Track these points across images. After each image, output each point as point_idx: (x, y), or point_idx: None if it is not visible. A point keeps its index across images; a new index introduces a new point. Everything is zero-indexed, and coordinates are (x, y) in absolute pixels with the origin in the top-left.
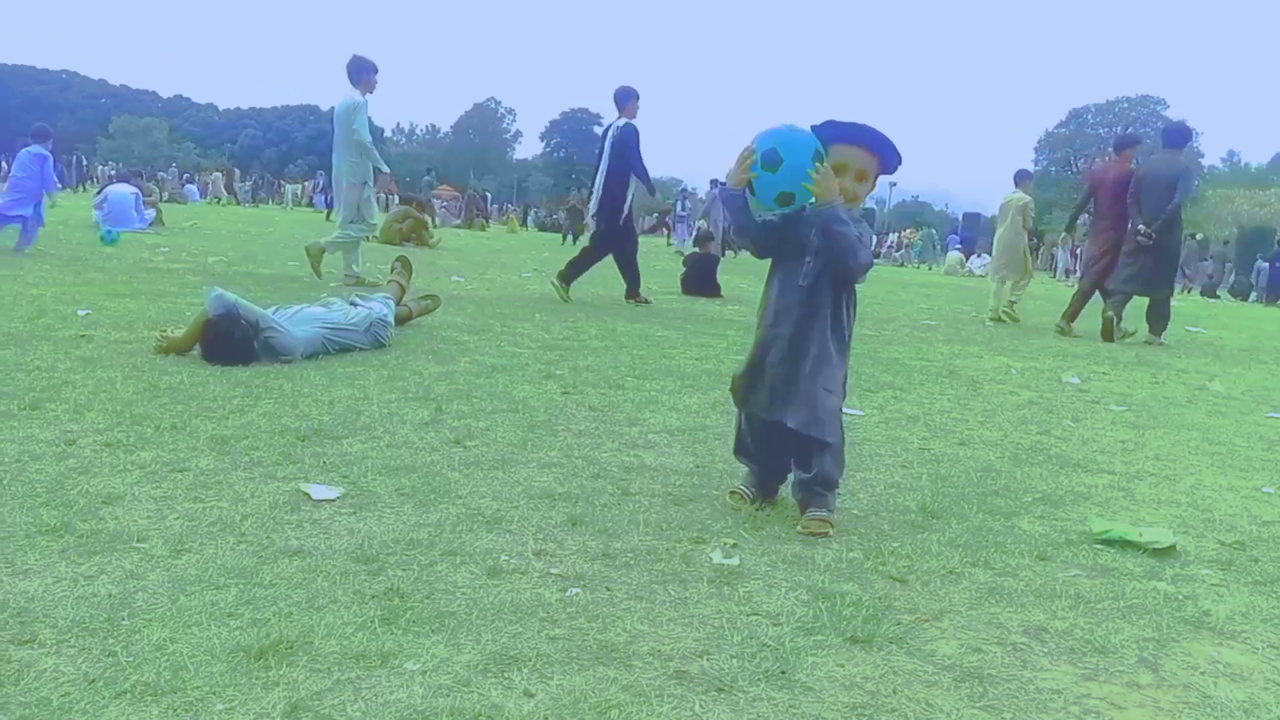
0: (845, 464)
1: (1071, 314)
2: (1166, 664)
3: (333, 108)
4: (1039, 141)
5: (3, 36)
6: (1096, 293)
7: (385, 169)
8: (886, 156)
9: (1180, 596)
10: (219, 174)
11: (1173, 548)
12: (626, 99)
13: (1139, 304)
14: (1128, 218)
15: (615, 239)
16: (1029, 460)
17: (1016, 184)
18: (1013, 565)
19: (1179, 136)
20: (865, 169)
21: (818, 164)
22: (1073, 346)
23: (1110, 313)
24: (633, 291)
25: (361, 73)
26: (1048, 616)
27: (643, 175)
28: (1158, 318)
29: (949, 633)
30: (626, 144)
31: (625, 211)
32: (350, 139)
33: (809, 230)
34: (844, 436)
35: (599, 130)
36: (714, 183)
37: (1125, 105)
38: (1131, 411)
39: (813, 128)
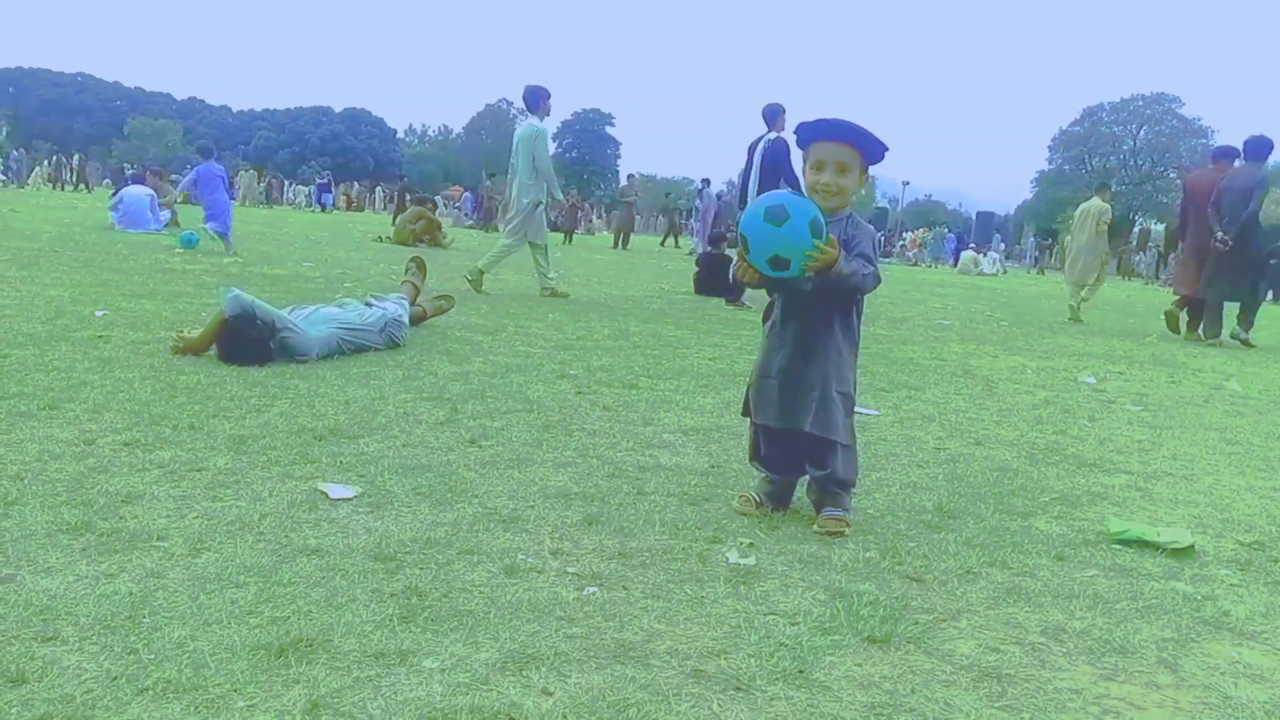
0: (860, 464)
1: (1193, 323)
2: (1186, 664)
3: (351, 109)
4: (1053, 140)
5: (20, 40)
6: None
7: (560, 196)
8: (867, 147)
9: (1199, 597)
10: (252, 172)
11: (1191, 548)
12: (775, 115)
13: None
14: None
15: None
16: (1045, 460)
17: (1095, 193)
18: (1030, 565)
19: (1260, 148)
20: (846, 161)
21: (817, 242)
22: (1088, 346)
23: (1176, 308)
24: (735, 299)
25: (538, 99)
26: (1066, 616)
27: (795, 185)
28: (1245, 318)
29: (967, 632)
30: (778, 157)
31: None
32: (531, 163)
33: None
34: (857, 436)
35: (610, 130)
36: (704, 182)
37: (1140, 103)
38: (1148, 411)
39: (794, 131)
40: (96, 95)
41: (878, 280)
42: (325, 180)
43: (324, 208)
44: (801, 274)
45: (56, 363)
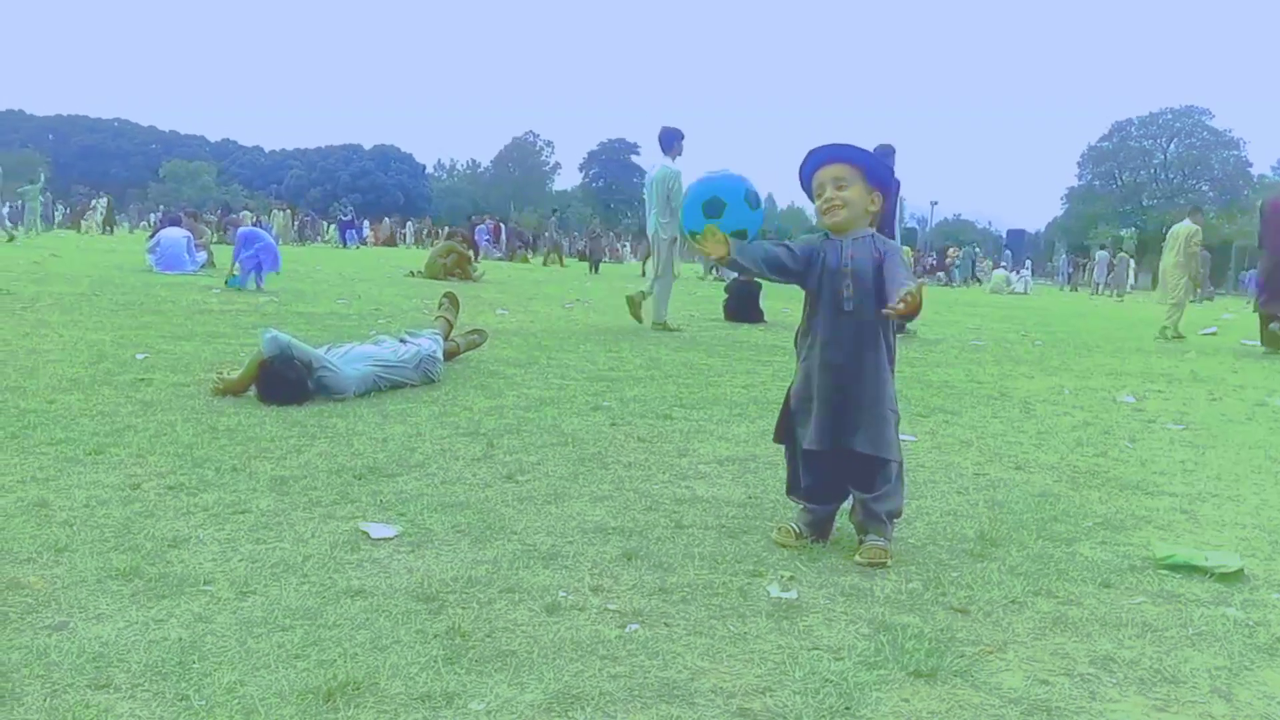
0: (905, 490)
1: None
2: (1240, 693)
3: (381, 145)
4: (1082, 156)
5: (59, 88)
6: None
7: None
8: (861, 161)
9: (1251, 622)
10: (287, 211)
11: (1240, 571)
12: (886, 156)
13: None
14: None
15: None
16: (1087, 483)
17: (1188, 215)
18: (1076, 593)
19: None
20: (840, 176)
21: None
22: (1125, 365)
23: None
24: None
25: (672, 141)
26: (1115, 646)
27: (892, 225)
28: None
29: (1014, 664)
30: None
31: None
32: (666, 203)
33: (843, 254)
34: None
35: (636, 159)
36: None
37: (1169, 117)
38: (1190, 430)
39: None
40: (133, 140)
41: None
42: (349, 217)
43: (347, 244)
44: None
45: (100, 407)
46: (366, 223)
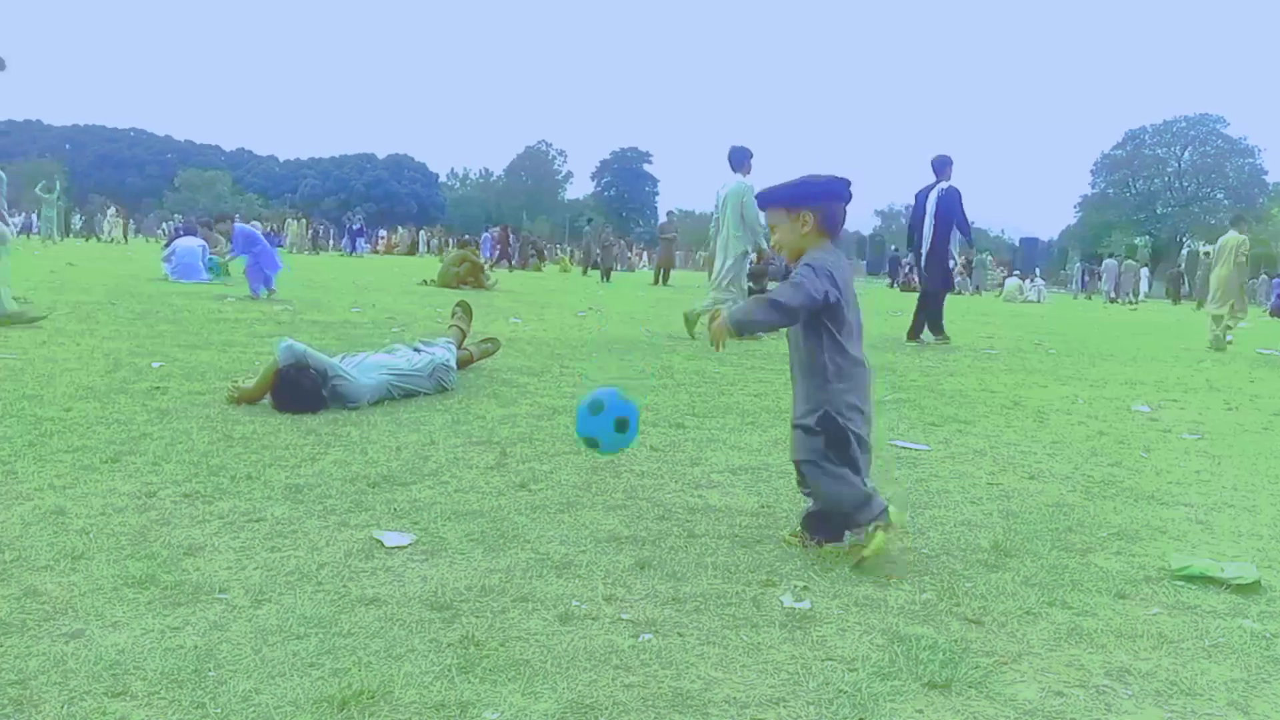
0: (862, 500)
1: None
2: (1258, 706)
3: (394, 154)
4: (1095, 164)
5: (76, 99)
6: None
7: (765, 245)
8: (781, 199)
9: (1268, 634)
10: (301, 219)
11: (1257, 583)
12: (945, 165)
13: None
14: None
15: (942, 286)
16: (1102, 494)
17: (1231, 225)
18: (1091, 604)
19: None
20: (774, 222)
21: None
22: (1139, 374)
23: None
24: (916, 334)
25: (743, 159)
26: (1130, 657)
27: (967, 231)
28: None
29: (1029, 676)
30: (952, 205)
31: (953, 264)
32: (739, 217)
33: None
34: (862, 467)
35: (648, 168)
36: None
37: (1183, 124)
38: (1206, 440)
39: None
40: (149, 149)
41: (809, 295)
42: (358, 226)
43: (354, 252)
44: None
45: (117, 415)
46: (382, 231)
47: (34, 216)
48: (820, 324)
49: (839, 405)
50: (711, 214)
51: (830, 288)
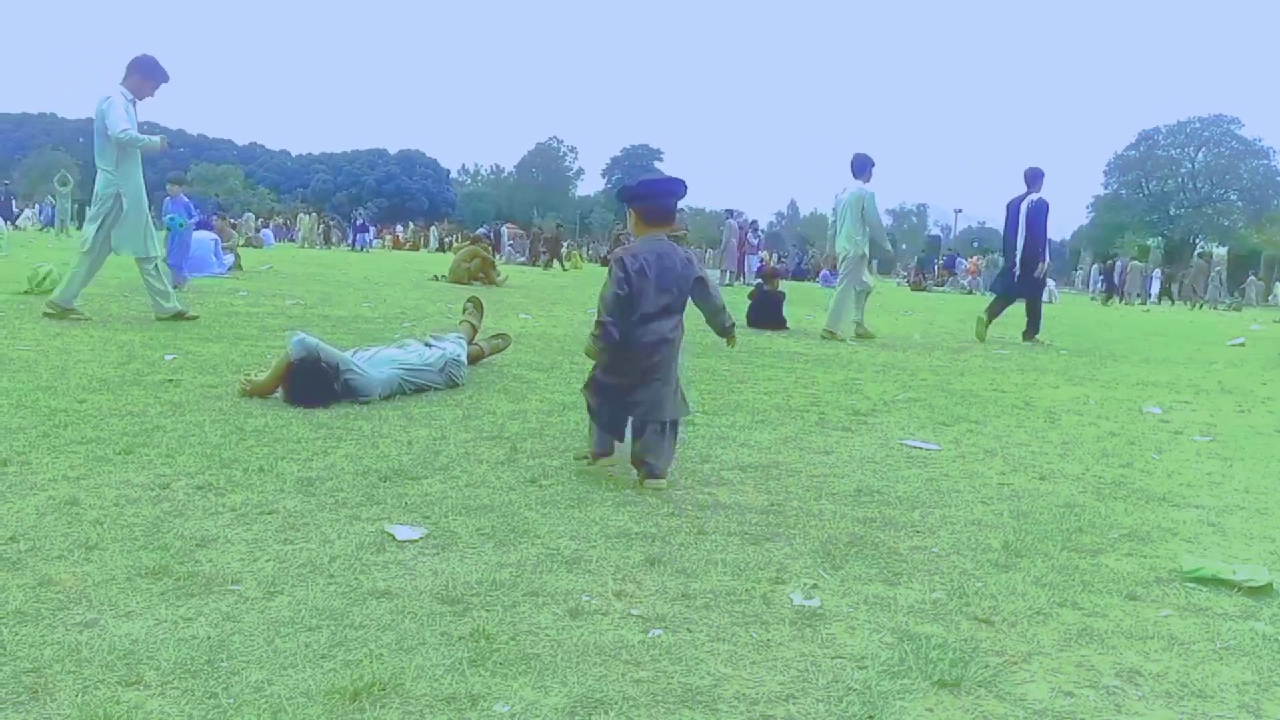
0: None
1: None
2: (1269, 709)
3: (406, 150)
4: (1108, 164)
5: (88, 93)
6: None
7: (889, 248)
8: (622, 195)
9: None
10: (313, 214)
11: (1269, 585)
12: (1038, 178)
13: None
14: None
15: (1034, 288)
16: (1113, 495)
17: None
18: (1101, 605)
19: None
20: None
21: None
22: (1151, 375)
23: None
24: (1031, 332)
25: (865, 167)
26: (1141, 658)
27: (1044, 244)
28: None
29: (1039, 675)
30: (1040, 217)
31: (1044, 267)
32: (860, 220)
33: None
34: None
35: (659, 165)
36: (728, 212)
37: (1197, 125)
38: (1217, 442)
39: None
40: None
41: (601, 325)
42: (361, 222)
43: (357, 247)
44: None
45: (130, 407)
46: (399, 227)
47: (52, 209)
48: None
49: (593, 377)
50: (830, 218)
51: (616, 288)
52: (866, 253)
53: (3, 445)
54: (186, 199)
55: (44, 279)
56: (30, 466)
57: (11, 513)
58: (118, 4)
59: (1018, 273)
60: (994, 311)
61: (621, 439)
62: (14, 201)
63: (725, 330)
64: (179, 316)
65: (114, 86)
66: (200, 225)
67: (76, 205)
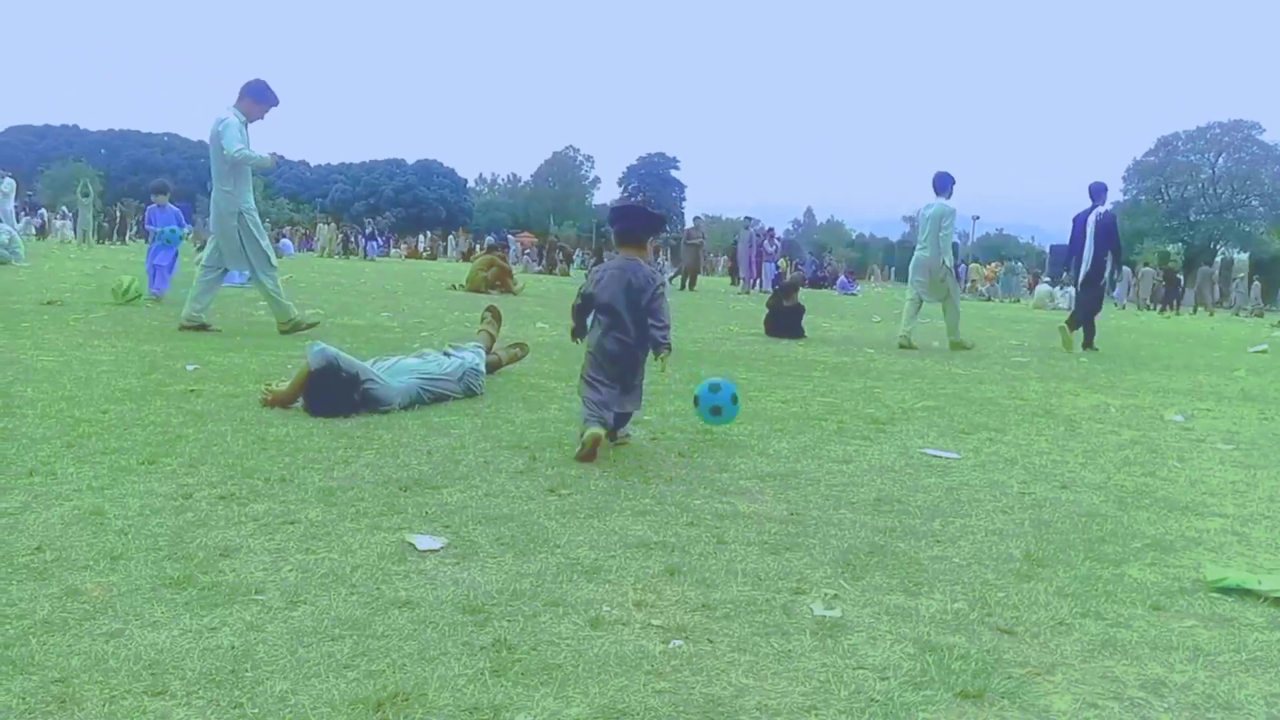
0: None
1: None
2: None
3: (423, 160)
4: (1127, 170)
5: (112, 104)
6: None
7: (950, 263)
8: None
9: None
10: (331, 224)
11: None
12: (1103, 191)
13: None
14: None
15: (1098, 296)
16: (1135, 504)
17: None
18: (1125, 615)
19: None
20: None
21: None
22: (1172, 382)
23: None
24: (1090, 341)
25: (946, 184)
26: (1165, 670)
27: (1119, 252)
28: None
29: (1062, 687)
30: (1110, 228)
31: (1107, 277)
32: (938, 236)
33: None
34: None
35: (675, 174)
36: (747, 220)
37: (1217, 130)
38: (1240, 450)
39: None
40: (182, 153)
41: (574, 309)
42: (370, 231)
43: (368, 256)
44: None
45: (152, 417)
46: (422, 238)
47: (74, 218)
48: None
49: (583, 369)
50: (913, 234)
51: (586, 289)
52: (950, 264)
53: (29, 455)
54: (175, 208)
55: (128, 289)
56: (55, 477)
57: (38, 523)
58: (139, 18)
59: (1080, 286)
60: (1075, 321)
61: (606, 426)
62: (44, 212)
63: (655, 346)
64: (297, 326)
65: (227, 109)
66: None
67: (99, 217)
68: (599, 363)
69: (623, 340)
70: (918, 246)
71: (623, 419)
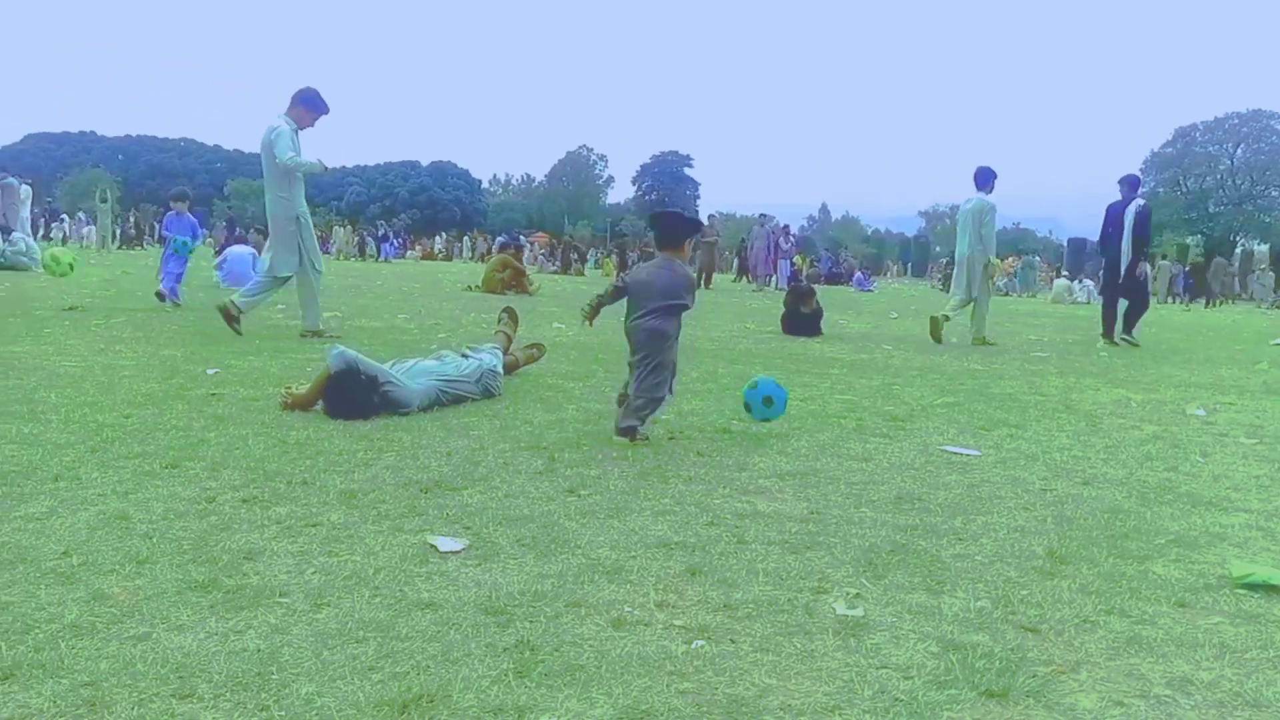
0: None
1: None
2: None
3: (438, 161)
4: (1145, 162)
5: (128, 111)
6: None
7: (995, 259)
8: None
9: None
10: (347, 226)
11: None
12: (1137, 183)
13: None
14: None
15: (1138, 288)
16: (1158, 499)
17: None
18: (1150, 613)
19: None
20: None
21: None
22: (1194, 376)
23: None
24: (1129, 328)
25: (987, 179)
26: (1192, 667)
27: (1146, 245)
28: None
29: (1087, 685)
30: (1145, 221)
31: (1144, 272)
32: (979, 231)
33: None
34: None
35: (689, 172)
36: (762, 217)
37: (1235, 121)
38: (1264, 444)
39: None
40: (199, 158)
41: (612, 289)
42: (383, 232)
43: (382, 257)
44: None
45: (174, 421)
46: (439, 238)
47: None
48: None
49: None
50: (927, 229)
51: (618, 282)
52: (989, 262)
53: (53, 460)
54: (192, 217)
55: (59, 261)
56: (80, 481)
57: (64, 527)
58: (154, 25)
59: (1122, 274)
60: (1109, 316)
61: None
62: (66, 219)
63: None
64: (318, 334)
65: (278, 117)
66: (238, 240)
67: (117, 223)
68: (630, 347)
69: (649, 327)
70: (957, 243)
71: (644, 408)
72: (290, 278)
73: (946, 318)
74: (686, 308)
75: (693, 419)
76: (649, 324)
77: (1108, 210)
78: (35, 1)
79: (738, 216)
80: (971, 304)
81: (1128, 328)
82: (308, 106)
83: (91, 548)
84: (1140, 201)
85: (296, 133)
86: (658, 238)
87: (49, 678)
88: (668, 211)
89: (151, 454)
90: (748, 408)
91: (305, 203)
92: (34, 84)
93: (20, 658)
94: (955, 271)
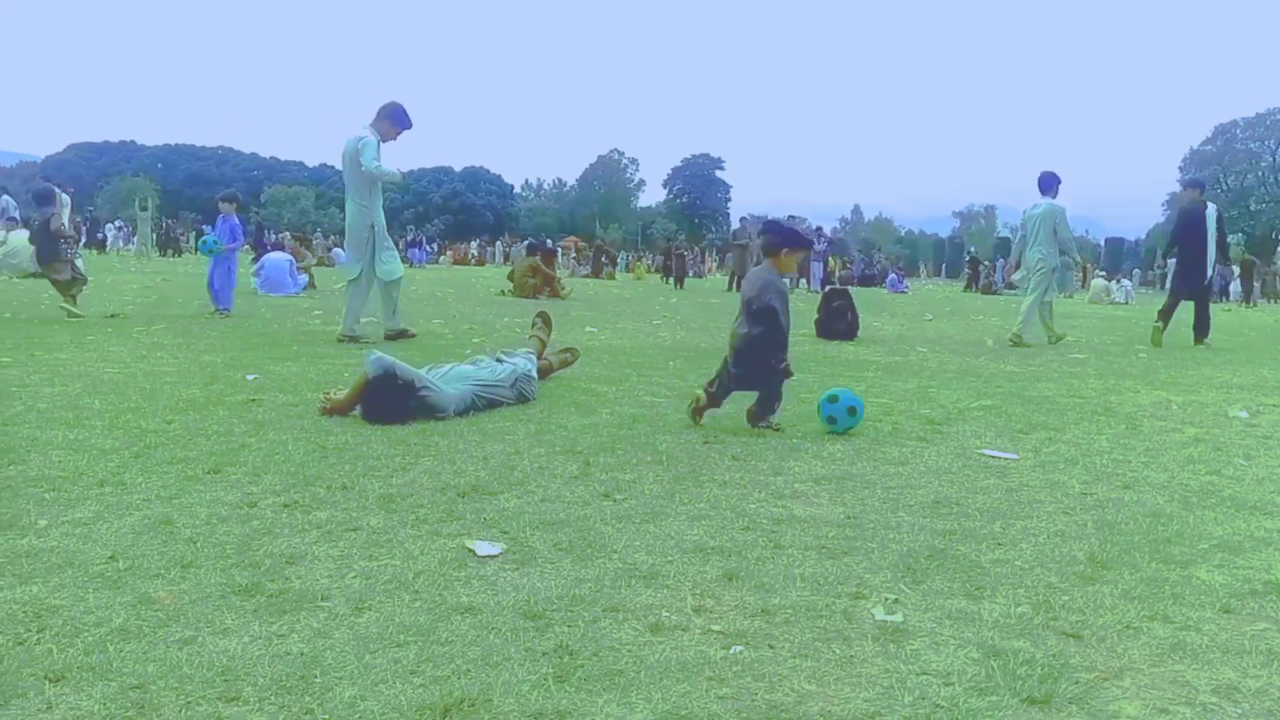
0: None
1: None
2: None
3: (470, 167)
4: (1184, 160)
5: (168, 120)
6: None
7: (1079, 259)
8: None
9: None
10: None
11: None
12: (1204, 186)
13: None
14: None
15: (1206, 291)
16: (1201, 503)
17: None
18: (1194, 619)
19: None
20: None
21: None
22: (1236, 377)
23: None
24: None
25: (1052, 184)
26: (1238, 674)
27: (1225, 246)
28: None
29: (1131, 692)
30: (1222, 225)
31: (1210, 273)
32: (1052, 234)
33: None
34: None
35: (720, 174)
36: (792, 219)
37: (1277, 117)
38: None
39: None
40: (236, 166)
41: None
42: (412, 237)
43: (414, 263)
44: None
45: (215, 427)
46: (474, 243)
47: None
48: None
49: None
50: (1017, 233)
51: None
52: (1058, 265)
53: (99, 466)
54: (237, 220)
55: None
56: (125, 486)
57: (110, 532)
58: (193, 37)
59: (1209, 275)
60: (1172, 308)
61: (717, 406)
62: (110, 228)
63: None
64: (402, 335)
65: (364, 128)
66: (273, 246)
67: (157, 231)
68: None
69: (741, 332)
70: (1028, 247)
71: (759, 408)
72: (360, 278)
73: (1019, 336)
74: (767, 309)
75: (727, 423)
76: (736, 327)
77: (1183, 213)
78: (77, 17)
79: (769, 219)
80: (1050, 303)
81: (1205, 333)
82: (393, 121)
83: (137, 552)
84: (1215, 207)
85: (379, 145)
86: (763, 245)
87: (99, 680)
88: (773, 222)
89: (194, 459)
90: (832, 420)
91: (382, 213)
92: (76, 95)
93: (71, 660)
94: (1030, 278)
